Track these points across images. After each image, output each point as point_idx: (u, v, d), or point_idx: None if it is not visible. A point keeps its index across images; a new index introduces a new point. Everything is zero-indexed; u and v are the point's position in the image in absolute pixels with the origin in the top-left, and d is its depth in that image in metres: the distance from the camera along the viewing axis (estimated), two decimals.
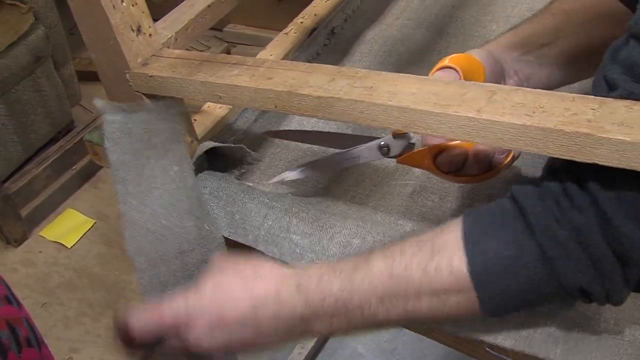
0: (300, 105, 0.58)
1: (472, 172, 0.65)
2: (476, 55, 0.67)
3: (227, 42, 2.53)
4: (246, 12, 2.45)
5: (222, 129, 0.86)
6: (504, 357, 0.60)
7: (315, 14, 1.04)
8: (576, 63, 0.69)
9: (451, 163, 0.65)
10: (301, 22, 1.03)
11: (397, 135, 0.67)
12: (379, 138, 0.69)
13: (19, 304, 0.73)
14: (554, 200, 0.51)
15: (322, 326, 0.57)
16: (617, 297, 0.53)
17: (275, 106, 0.59)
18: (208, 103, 0.88)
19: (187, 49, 0.72)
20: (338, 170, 0.74)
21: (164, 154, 0.68)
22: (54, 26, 1.90)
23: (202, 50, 2.28)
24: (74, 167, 1.99)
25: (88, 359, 1.61)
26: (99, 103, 0.66)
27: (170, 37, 0.73)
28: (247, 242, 0.71)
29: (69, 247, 1.86)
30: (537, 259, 0.51)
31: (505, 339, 0.60)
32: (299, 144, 0.84)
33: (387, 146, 0.68)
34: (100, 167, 2.03)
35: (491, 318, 0.58)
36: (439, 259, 0.54)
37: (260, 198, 0.72)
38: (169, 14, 0.76)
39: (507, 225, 0.53)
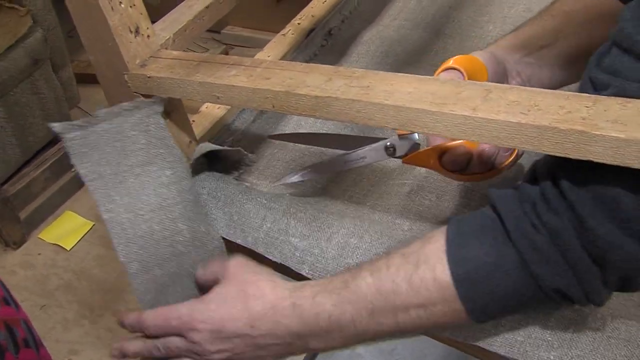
0: (298, 105, 0.58)
1: (476, 171, 0.66)
2: (479, 56, 0.68)
3: (225, 44, 2.54)
4: (244, 13, 2.46)
5: (220, 129, 0.86)
6: (503, 355, 0.60)
7: (312, 15, 1.05)
8: (577, 63, 0.70)
9: (456, 162, 0.66)
10: (298, 24, 1.03)
11: (403, 135, 0.68)
12: (382, 139, 0.70)
13: (16, 305, 0.73)
14: (531, 204, 0.52)
15: (318, 342, 0.61)
16: (597, 299, 0.54)
17: (273, 106, 0.60)
18: (206, 104, 0.89)
19: (185, 51, 0.73)
20: (342, 171, 0.75)
21: (151, 159, 0.68)
22: (52, 29, 1.90)
23: (200, 52, 2.28)
24: (72, 170, 1.97)
25: None
26: (54, 126, 0.65)
27: (169, 38, 0.73)
28: (246, 244, 0.72)
29: (68, 249, 1.87)
30: (516, 264, 0.52)
31: (500, 346, 0.60)
32: (297, 144, 0.84)
33: (393, 147, 0.69)
34: None
35: (479, 324, 0.59)
36: (423, 270, 0.55)
37: (259, 199, 0.73)
38: (167, 15, 0.76)
39: (487, 232, 0.54)
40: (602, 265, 0.51)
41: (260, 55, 0.95)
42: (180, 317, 0.63)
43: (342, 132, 0.86)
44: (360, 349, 1.64)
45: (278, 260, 0.69)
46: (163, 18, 0.76)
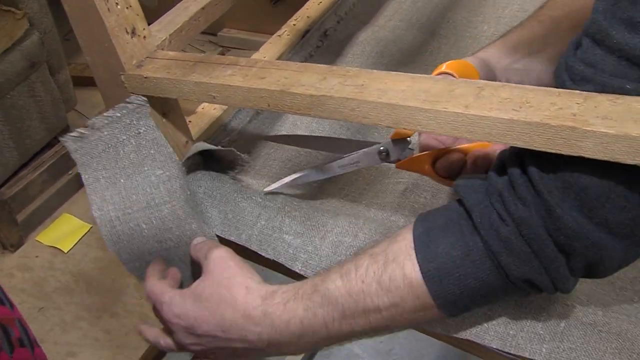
0: (293, 103, 0.59)
1: None
2: (470, 62, 0.69)
3: (222, 46, 2.55)
4: (240, 16, 2.46)
5: (216, 130, 0.87)
6: (496, 348, 0.61)
7: (308, 17, 1.06)
8: None
9: (450, 168, 0.67)
10: (294, 25, 1.04)
11: (396, 139, 0.68)
12: (376, 143, 0.70)
13: (11, 305, 0.73)
14: (498, 194, 0.52)
15: (290, 347, 0.62)
16: (564, 286, 0.54)
17: (268, 105, 0.60)
18: (203, 105, 0.90)
19: (182, 52, 0.73)
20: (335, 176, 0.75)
21: (142, 160, 0.69)
22: (48, 32, 1.91)
23: None
24: (69, 172, 2.00)
25: None
26: (64, 141, 0.70)
27: (165, 39, 0.74)
28: (240, 241, 0.72)
29: (66, 251, 1.87)
30: (483, 256, 0.53)
31: (493, 340, 0.61)
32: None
33: (387, 151, 0.69)
34: None
35: (451, 318, 0.59)
36: (392, 268, 0.56)
37: (254, 197, 0.73)
38: (163, 16, 0.77)
39: (453, 226, 0.55)
40: (568, 253, 0.51)
41: (256, 56, 0.96)
42: (161, 303, 0.65)
43: (338, 132, 0.86)
44: (358, 350, 1.64)
45: (271, 257, 0.70)
46: (159, 19, 0.77)
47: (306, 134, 0.86)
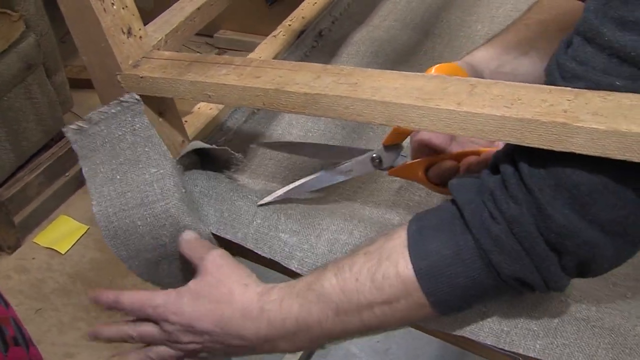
0: (288, 102, 0.59)
1: None
2: (459, 66, 0.69)
3: (218, 47, 2.55)
4: (236, 18, 2.47)
5: (212, 129, 0.87)
6: (490, 345, 0.62)
7: (303, 17, 1.06)
8: None
9: (443, 175, 0.67)
10: (289, 25, 1.04)
11: (388, 146, 0.69)
12: (369, 150, 0.70)
13: (6, 304, 0.74)
14: (490, 193, 0.53)
15: (285, 344, 0.62)
16: (556, 285, 0.54)
17: (263, 104, 0.61)
18: (199, 105, 0.90)
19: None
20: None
21: (137, 157, 0.70)
22: (44, 34, 1.91)
23: None
24: (66, 174, 2.00)
25: None
26: (64, 129, 0.71)
27: (161, 39, 0.74)
28: (236, 239, 0.73)
29: (63, 253, 1.87)
30: (475, 254, 0.53)
31: (487, 336, 0.61)
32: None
33: (379, 158, 0.69)
34: None
35: (444, 317, 0.60)
36: (386, 266, 0.56)
37: (250, 196, 0.74)
38: (159, 16, 0.78)
39: (446, 225, 0.55)
40: (560, 252, 0.52)
41: (251, 57, 0.96)
42: (155, 307, 0.65)
43: (334, 131, 0.87)
44: (355, 349, 1.65)
45: (267, 255, 0.70)
46: (155, 20, 0.77)
47: (302, 133, 0.87)
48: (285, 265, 0.70)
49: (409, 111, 0.53)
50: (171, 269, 0.75)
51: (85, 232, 1.93)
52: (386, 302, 0.57)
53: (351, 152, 0.72)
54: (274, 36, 1.02)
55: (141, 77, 0.68)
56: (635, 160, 0.45)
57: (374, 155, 0.69)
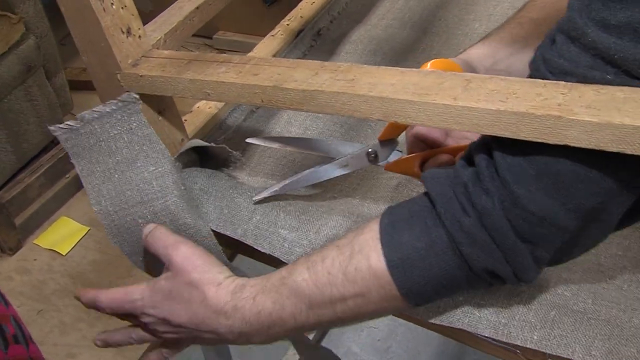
0: (286, 99, 0.60)
1: None
2: (454, 62, 0.70)
3: (217, 49, 2.56)
4: (235, 19, 2.48)
5: (212, 128, 0.88)
6: (488, 337, 0.62)
7: (301, 16, 1.07)
8: None
9: None
10: (288, 24, 1.05)
11: (384, 141, 0.69)
12: (364, 145, 0.71)
13: (6, 302, 0.74)
14: (463, 186, 0.53)
15: (260, 337, 0.63)
16: (526, 276, 0.55)
17: (262, 101, 0.61)
18: (198, 104, 0.91)
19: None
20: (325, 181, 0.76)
21: (135, 155, 0.71)
22: (44, 36, 1.92)
23: None
24: (67, 176, 2.01)
25: None
26: (52, 130, 0.71)
27: (160, 38, 0.75)
28: (235, 236, 0.73)
29: (64, 254, 1.88)
30: (446, 246, 0.54)
31: (485, 329, 0.62)
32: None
33: (375, 153, 0.70)
34: None
35: (417, 307, 0.60)
36: (358, 259, 0.57)
37: (249, 193, 0.74)
38: (158, 16, 0.78)
39: (418, 217, 0.56)
40: (533, 243, 0.52)
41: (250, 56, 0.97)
42: (133, 302, 0.66)
43: (332, 129, 0.87)
44: (356, 348, 1.65)
45: (267, 252, 0.71)
46: (154, 19, 0.78)
47: (300, 131, 0.88)
48: (285, 262, 0.70)
49: (406, 106, 0.54)
50: None
51: (86, 234, 1.94)
52: (359, 295, 0.57)
53: (347, 147, 0.73)
54: (272, 35, 1.02)
55: (140, 76, 0.68)
56: (629, 152, 0.46)
57: (370, 150, 0.70)
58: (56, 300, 1.76)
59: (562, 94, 0.49)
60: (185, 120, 0.85)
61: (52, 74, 2.00)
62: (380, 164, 0.70)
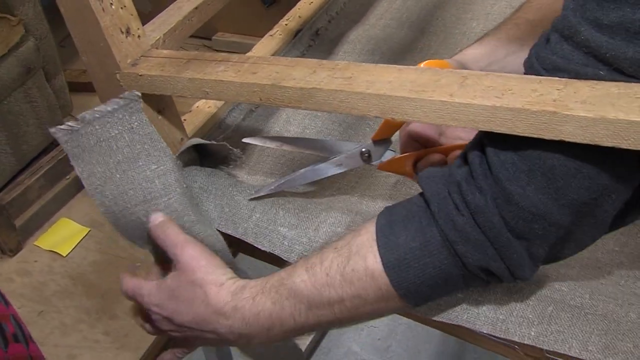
0: (284, 97, 0.61)
1: None
2: (449, 63, 0.70)
3: (216, 50, 2.57)
4: (234, 20, 2.48)
5: (211, 127, 0.89)
6: (486, 333, 0.63)
7: (299, 16, 1.07)
8: None
9: None
10: (286, 24, 1.05)
11: (377, 140, 0.70)
12: (358, 144, 0.71)
13: (6, 302, 0.74)
14: (457, 185, 0.54)
15: (260, 338, 0.64)
16: (521, 273, 0.55)
17: (260, 99, 0.62)
18: (197, 103, 0.91)
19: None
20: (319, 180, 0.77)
21: (136, 154, 0.71)
22: (44, 38, 1.93)
23: None
24: (67, 177, 2.02)
25: None
26: (52, 131, 0.70)
27: (159, 38, 0.75)
28: (237, 234, 0.74)
29: (64, 255, 1.88)
30: (441, 246, 0.54)
31: (483, 325, 0.62)
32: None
33: (369, 152, 0.70)
34: None
35: (416, 307, 0.61)
36: (355, 260, 0.57)
37: (248, 191, 0.75)
38: (157, 16, 0.79)
39: (413, 218, 0.56)
40: (528, 239, 0.53)
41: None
42: (141, 296, 0.68)
43: (330, 128, 0.88)
44: (357, 347, 1.66)
45: (267, 250, 0.71)
46: (153, 20, 0.78)
47: (299, 130, 0.88)
48: (285, 259, 0.71)
49: (403, 103, 0.54)
50: None
51: (87, 235, 1.94)
52: (356, 296, 0.58)
53: (342, 147, 0.73)
54: (271, 35, 1.03)
55: (140, 75, 0.69)
56: (623, 146, 0.46)
57: (363, 149, 0.70)
58: (57, 301, 1.76)
59: (558, 89, 0.49)
60: (185, 119, 0.85)
61: (51, 76, 2.01)
62: (374, 163, 0.71)
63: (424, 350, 1.63)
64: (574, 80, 0.50)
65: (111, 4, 0.67)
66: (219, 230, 0.74)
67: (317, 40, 1.06)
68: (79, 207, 2.02)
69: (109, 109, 0.70)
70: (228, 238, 0.74)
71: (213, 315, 0.63)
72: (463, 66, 0.71)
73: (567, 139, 0.48)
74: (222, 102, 0.91)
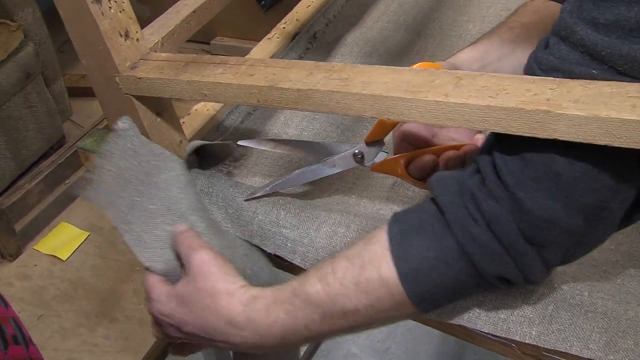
0: (281, 98, 0.61)
1: None
2: (442, 66, 0.71)
3: (214, 54, 2.57)
4: (232, 24, 2.49)
5: (209, 130, 0.89)
6: (487, 332, 0.63)
7: (297, 20, 1.08)
8: None
9: (423, 170, 0.69)
10: (284, 28, 1.06)
11: (370, 142, 0.70)
12: (352, 146, 0.72)
13: (5, 304, 0.75)
14: (471, 194, 0.54)
15: (274, 348, 0.63)
16: (535, 279, 0.56)
17: (258, 100, 0.62)
18: (196, 106, 0.92)
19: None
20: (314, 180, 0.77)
21: (147, 172, 0.71)
22: (43, 43, 1.94)
23: None
24: (66, 182, 2.02)
25: None
26: (77, 192, 0.72)
27: (157, 42, 0.76)
28: (244, 237, 0.75)
29: (64, 259, 1.89)
30: (457, 256, 0.54)
31: (484, 325, 0.63)
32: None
33: (362, 154, 0.71)
34: None
35: (425, 313, 0.61)
36: (369, 270, 0.57)
37: (248, 192, 0.75)
38: (155, 20, 0.79)
39: (427, 227, 0.56)
40: (542, 246, 0.53)
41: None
42: (150, 300, 0.68)
43: (328, 130, 0.88)
44: (356, 349, 1.66)
45: (272, 252, 0.72)
46: (151, 23, 0.79)
47: (297, 132, 0.89)
48: (290, 261, 0.72)
49: (398, 103, 0.55)
50: None
51: (86, 239, 1.94)
52: (370, 305, 0.58)
53: (337, 149, 0.74)
54: (269, 39, 1.04)
55: (139, 78, 0.69)
56: (616, 144, 0.47)
57: (356, 151, 0.71)
58: (56, 305, 1.77)
59: (551, 89, 0.50)
60: (184, 122, 0.86)
61: (51, 81, 2.02)
62: (367, 164, 0.71)
63: (423, 352, 1.64)
64: (567, 79, 0.50)
65: (110, 7, 0.68)
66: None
67: (314, 43, 1.06)
68: (78, 211, 2.02)
69: (111, 145, 0.71)
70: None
71: (225, 326, 0.62)
72: (456, 69, 0.72)
73: (560, 138, 0.49)
74: (221, 104, 0.91)
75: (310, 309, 0.59)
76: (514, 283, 0.56)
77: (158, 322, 0.68)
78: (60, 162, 1.99)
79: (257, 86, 0.62)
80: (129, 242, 0.70)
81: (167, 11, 0.81)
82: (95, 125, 2.00)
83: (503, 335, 0.62)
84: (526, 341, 0.61)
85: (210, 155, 0.80)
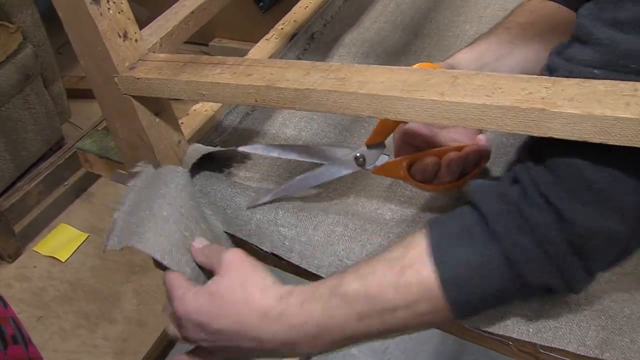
0: (279, 98, 0.62)
1: (444, 180, 0.69)
2: (440, 66, 0.71)
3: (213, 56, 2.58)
4: (231, 26, 2.49)
5: (208, 130, 0.90)
6: (485, 330, 0.63)
7: (295, 20, 1.08)
8: (532, 74, 0.74)
9: (425, 172, 0.69)
10: (282, 29, 1.07)
11: (371, 145, 0.70)
12: (352, 149, 0.72)
13: (5, 304, 0.75)
14: (514, 204, 0.54)
15: (304, 347, 0.62)
16: (577, 287, 0.57)
17: (255, 100, 0.63)
18: (194, 107, 0.92)
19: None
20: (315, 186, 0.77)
21: (154, 187, 0.73)
22: (42, 45, 1.94)
23: None
24: (65, 183, 2.03)
25: None
26: (108, 246, 0.72)
27: (156, 42, 0.76)
28: (242, 236, 0.75)
29: (63, 260, 1.89)
30: (503, 264, 0.55)
31: (482, 322, 0.63)
32: (284, 143, 0.87)
33: (363, 157, 0.71)
34: (92, 182, 2.06)
35: (459, 319, 0.61)
36: (409, 275, 0.57)
37: (247, 192, 0.76)
38: (154, 21, 0.80)
39: (470, 234, 0.56)
40: (585, 255, 0.53)
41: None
42: (173, 298, 0.66)
43: (326, 130, 0.89)
44: (354, 350, 1.66)
45: (269, 250, 0.72)
46: (150, 24, 0.79)
47: (295, 132, 0.89)
48: (287, 259, 0.72)
49: (395, 102, 0.55)
50: None
51: (85, 240, 1.95)
52: (408, 307, 0.58)
53: (337, 152, 0.74)
54: (267, 40, 1.04)
55: (137, 79, 0.70)
56: (610, 142, 0.47)
57: (358, 154, 0.71)
58: (56, 306, 1.77)
59: (546, 87, 0.51)
60: (182, 122, 0.86)
61: (49, 83, 2.02)
62: (369, 167, 0.71)
63: (422, 352, 1.64)
64: (562, 78, 0.51)
65: (109, 8, 0.68)
66: (227, 232, 0.75)
67: (312, 43, 1.07)
68: (77, 212, 2.02)
69: (125, 194, 0.74)
70: (232, 238, 0.76)
71: (257, 321, 0.61)
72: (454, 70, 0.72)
73: (555, 136, 0.49)
74: (219, 105, 0.92)
75: (348, 308, 0.59)
76: (555, 291, 0.57)
77: (179, 322, 0.66)
78: (59, 163, 2.00)
79: (255, 86, 0.63)
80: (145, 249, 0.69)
81: (165, 12, 0.81)
82: (94, 127, 2.00)
83: (500, 333, 0.63)
84: (523, 338, 0.62)
85: (210, 157, 0.80)
